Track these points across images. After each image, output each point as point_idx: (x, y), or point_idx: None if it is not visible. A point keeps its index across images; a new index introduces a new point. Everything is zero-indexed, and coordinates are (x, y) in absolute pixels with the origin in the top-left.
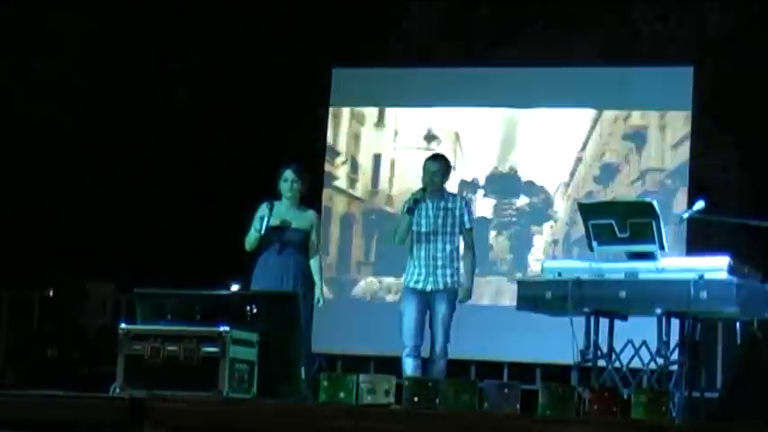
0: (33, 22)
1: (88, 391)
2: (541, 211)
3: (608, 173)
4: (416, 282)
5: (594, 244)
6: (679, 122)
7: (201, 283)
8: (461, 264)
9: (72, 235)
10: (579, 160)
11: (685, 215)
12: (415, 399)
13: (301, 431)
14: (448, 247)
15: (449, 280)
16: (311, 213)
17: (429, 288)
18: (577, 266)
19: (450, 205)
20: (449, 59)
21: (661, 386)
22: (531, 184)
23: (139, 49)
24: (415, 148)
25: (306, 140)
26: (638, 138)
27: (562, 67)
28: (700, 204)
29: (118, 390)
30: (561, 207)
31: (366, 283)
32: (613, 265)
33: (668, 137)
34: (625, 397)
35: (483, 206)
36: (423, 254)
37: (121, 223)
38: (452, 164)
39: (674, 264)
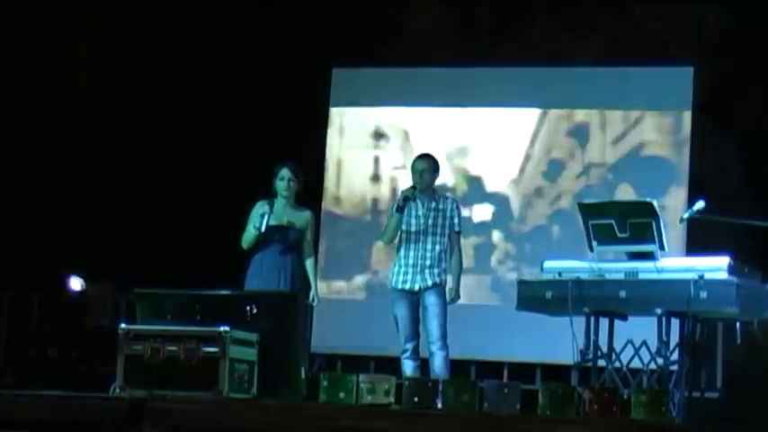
0: (35, 22)
1: (88, 391)
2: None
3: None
4: (404, 282)
5: (594, 244)
6: (618, 119)
7: (201, 283)
8: (449, 265)
9: (72, 235)
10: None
11: (685, 215)
12: (415, 399)
13: (301, 431)
14: (437, 247)
15: (437, 279)
16: (307, 213)
17: (417, 287)
18: (577, 266)
19: (441, 206)
20: (449, 60)
21: (661, 386)
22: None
23: (139, 48)
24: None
25: (306, 141)
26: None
27: (561, 67)
28: (700, 204)
29: (118, 390)
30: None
31: None
32: (613, 265)
33: (608, 134)
34: (625, 397)
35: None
36: (411, 254)
37: (121, 223)
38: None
39: (674, 264)
